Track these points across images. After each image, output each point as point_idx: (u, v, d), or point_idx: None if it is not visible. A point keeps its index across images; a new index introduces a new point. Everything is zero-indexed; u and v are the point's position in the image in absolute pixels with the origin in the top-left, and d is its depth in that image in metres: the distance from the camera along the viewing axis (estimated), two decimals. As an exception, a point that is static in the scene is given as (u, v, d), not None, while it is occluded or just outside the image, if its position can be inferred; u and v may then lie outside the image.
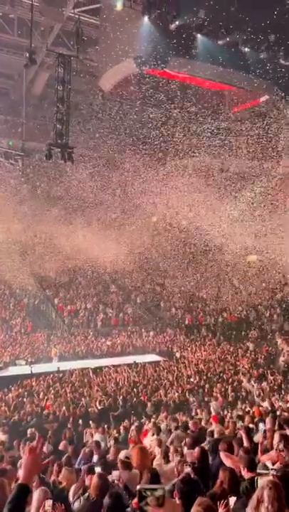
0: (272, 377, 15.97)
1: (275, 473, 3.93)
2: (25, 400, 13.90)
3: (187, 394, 14.61)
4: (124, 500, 3.82)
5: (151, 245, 27.05)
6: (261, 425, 8.04)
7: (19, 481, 2.61)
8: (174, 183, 25.13)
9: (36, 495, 3.71)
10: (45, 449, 9.27)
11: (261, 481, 2.94)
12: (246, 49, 17.53)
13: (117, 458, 5.68)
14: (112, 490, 4.03)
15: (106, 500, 3.70)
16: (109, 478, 4.47)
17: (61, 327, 24.08)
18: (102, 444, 8.77)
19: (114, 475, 4.50)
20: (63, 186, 24.42)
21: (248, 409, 11.22)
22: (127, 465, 4.95)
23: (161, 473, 4.99)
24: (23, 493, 2.50)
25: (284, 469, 4.09)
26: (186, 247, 26.67)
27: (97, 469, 5.42)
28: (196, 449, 5.29)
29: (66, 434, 10.44)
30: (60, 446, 9.19)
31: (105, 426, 11.24)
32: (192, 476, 4.31)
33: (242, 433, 6.23)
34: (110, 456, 7.10)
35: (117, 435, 10.12)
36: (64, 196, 24.86)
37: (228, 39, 17.05)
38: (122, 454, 5.52)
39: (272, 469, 4.38)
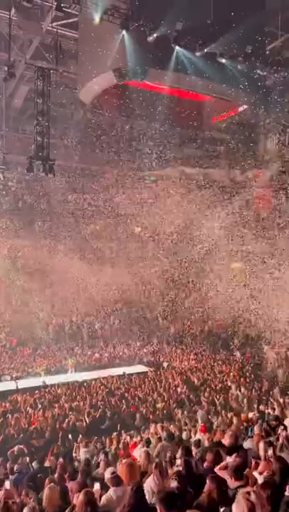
0: (259, 385, 16.01)
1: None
2: (10, 416, 13.64)
3: (175, 404, 14.54)
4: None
5: (136, 256, 27.01)
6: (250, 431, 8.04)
7: None
8: (156, 193, 25.25)
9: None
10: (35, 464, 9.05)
11: (242, 490, 2.93)
12: (224, 60, 17.83)
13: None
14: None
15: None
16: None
17: (47, 341, 23.80)
18: (91, 459, 8.65)
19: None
20: (45, 199, 24.34)
21: (235, 416, 11.18)
22: (117, 481, 4.79)
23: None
24: None
25: (270, 477, 4.09)
26: (170, 256, 26.68)
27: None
28: (180, 461, 5.20)
29: (54, 449, 10.29)
30: (47, 463, 8.99)
31: (94, 439, 11.13)
32: (178, 489, 4.21)
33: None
34: (100, 470, 7.00)
35: (106, 449, 9.98)
36: (46, 209, 24.76)
37: (205, 51, 17.34)
38: (108, 471, 5.37)
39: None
